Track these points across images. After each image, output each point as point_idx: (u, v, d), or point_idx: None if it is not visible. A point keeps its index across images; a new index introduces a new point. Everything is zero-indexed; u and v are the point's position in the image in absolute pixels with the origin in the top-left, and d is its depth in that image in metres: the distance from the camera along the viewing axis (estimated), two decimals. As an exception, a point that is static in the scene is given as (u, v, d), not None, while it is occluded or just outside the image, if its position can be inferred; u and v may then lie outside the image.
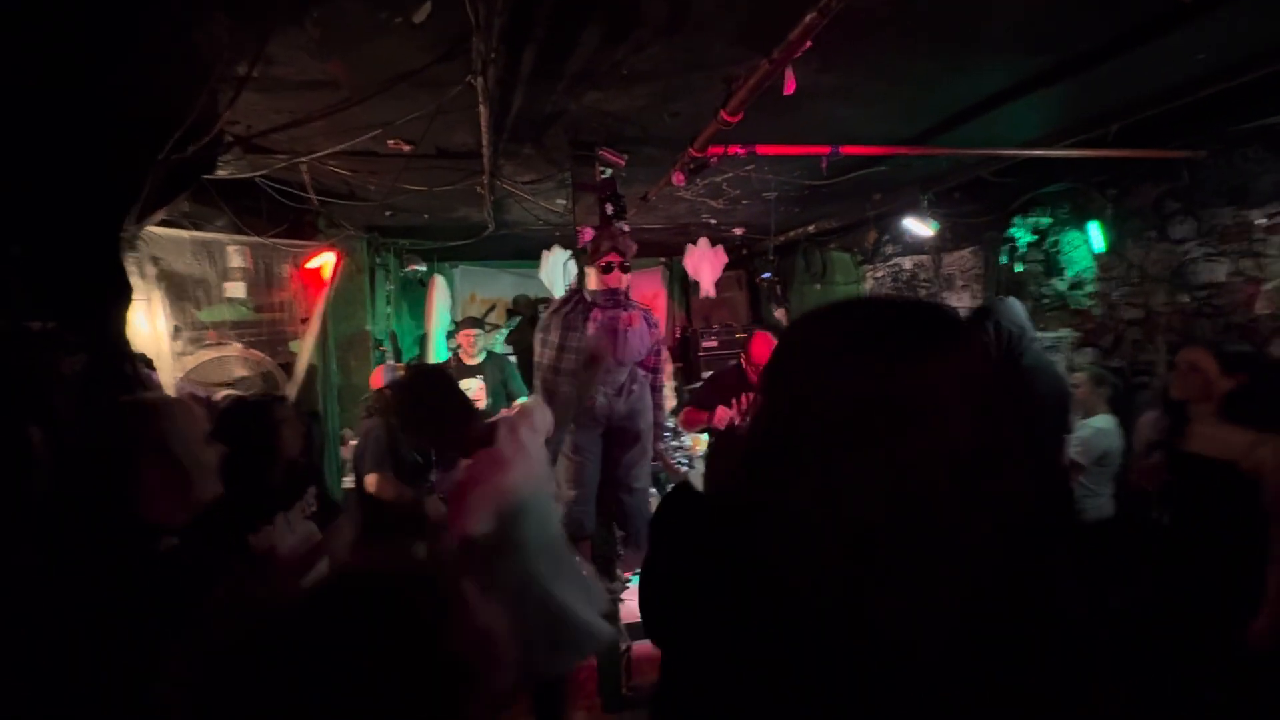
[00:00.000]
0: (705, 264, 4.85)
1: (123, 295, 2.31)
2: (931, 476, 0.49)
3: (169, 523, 1.16)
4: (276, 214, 3.18)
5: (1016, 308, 2.57)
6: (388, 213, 4.09)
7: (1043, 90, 2.50)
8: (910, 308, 0.57)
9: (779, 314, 5.91)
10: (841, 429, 0.52)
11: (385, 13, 1.76)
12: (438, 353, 4.97)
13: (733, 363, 3.33)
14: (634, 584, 3.93)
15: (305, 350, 3.37)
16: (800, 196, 4.10)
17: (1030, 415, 0.58)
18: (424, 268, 5.04)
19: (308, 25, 1.81)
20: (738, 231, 5.26)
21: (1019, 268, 3.67)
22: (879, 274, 5.05)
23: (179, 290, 2.97)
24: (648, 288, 6.76)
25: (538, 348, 2.73)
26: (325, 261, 3.46)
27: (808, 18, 1.37)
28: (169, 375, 2.80)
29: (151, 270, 2.79)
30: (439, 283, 5.07)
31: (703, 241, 4.93)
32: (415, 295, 5.51)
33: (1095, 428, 2.80)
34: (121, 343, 2.30)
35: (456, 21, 1.73)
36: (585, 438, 2.78)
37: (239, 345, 3.21)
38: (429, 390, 1.80)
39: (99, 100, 1.94)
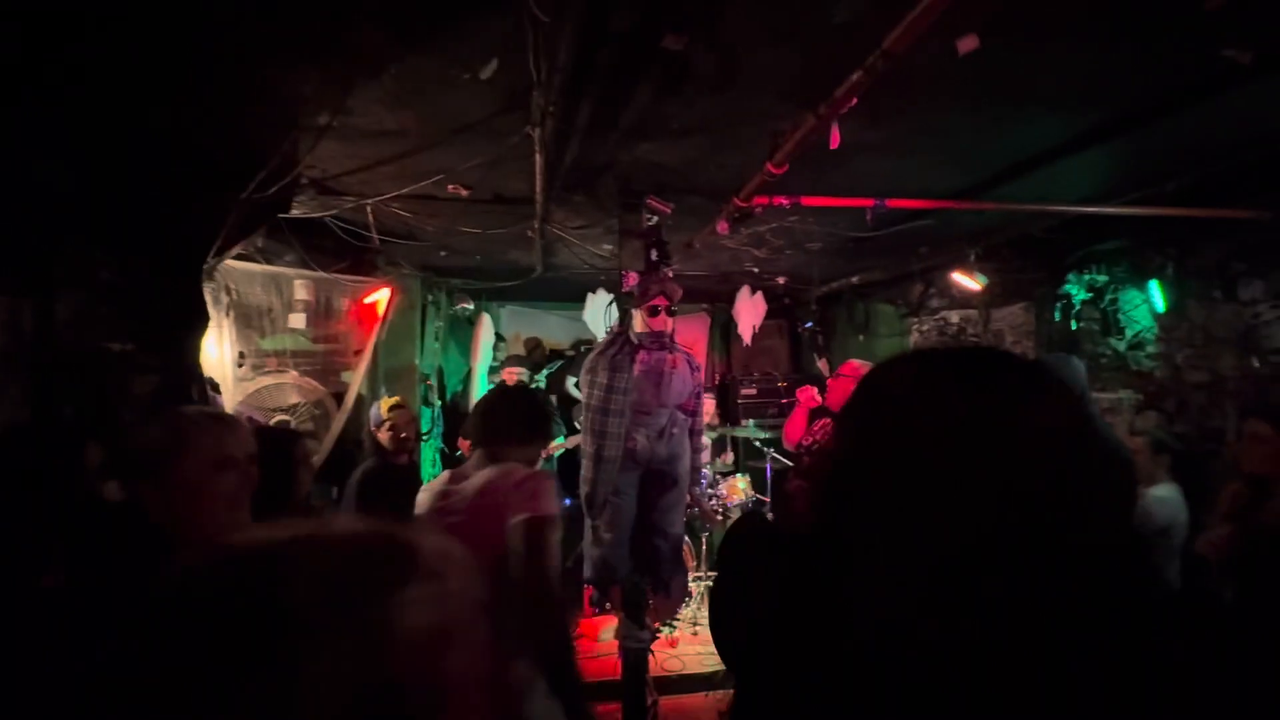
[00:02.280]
0: (745, 311, 4.88)
1: (199, 323, 2.48)
2: (1004, 518, 0.50)
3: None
4: (341, 250, 3.38)
5: (1073, 367, 2.47)
6: (442, 253, 4.29)
7: (1095, 147, 2.48)
8: (991, 354, 0.60)
9: (820, 364, 5.84)
10: (917, 465, 0.53)
11: (456, 69, 1.90)
12: (480, 389, 5.09)
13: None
14: (664, 633, 3.82)
15: (356, 381, 3.51)
16: (844, 248, 4.10)
17: (1108, 470, 0.60)
18: (472, 306, 5.23)
19: (386, 80, 1.98)
20: (780, 280, 5.29)
21: (1074, 325, 3.56)
22: (924, 327, 4.96)
23: (246, 319, 3.16)
24: (689, 333, 6.80)
25: (585, 389, 2.78)
26: (381, 297, 3.63)
27: (854, 76, 1.42)
28: (231, 399, 2.96)
29: (225, 300, 2.99)
30: (486, 321, 5.23)
31: (744, 289, 4.97)
32: (462, 332, 5.70)
33: (1156, 497, 2.63)
34: (193, 367, 2.46)
35: (519, 78, 1.86)
36: (624, 480, 2.78)
37: (295, 373, 3.37)
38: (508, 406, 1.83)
39: (192, 144, 2.15)
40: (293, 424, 3.15)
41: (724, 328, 6.58)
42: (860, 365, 3.33)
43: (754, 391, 6.01)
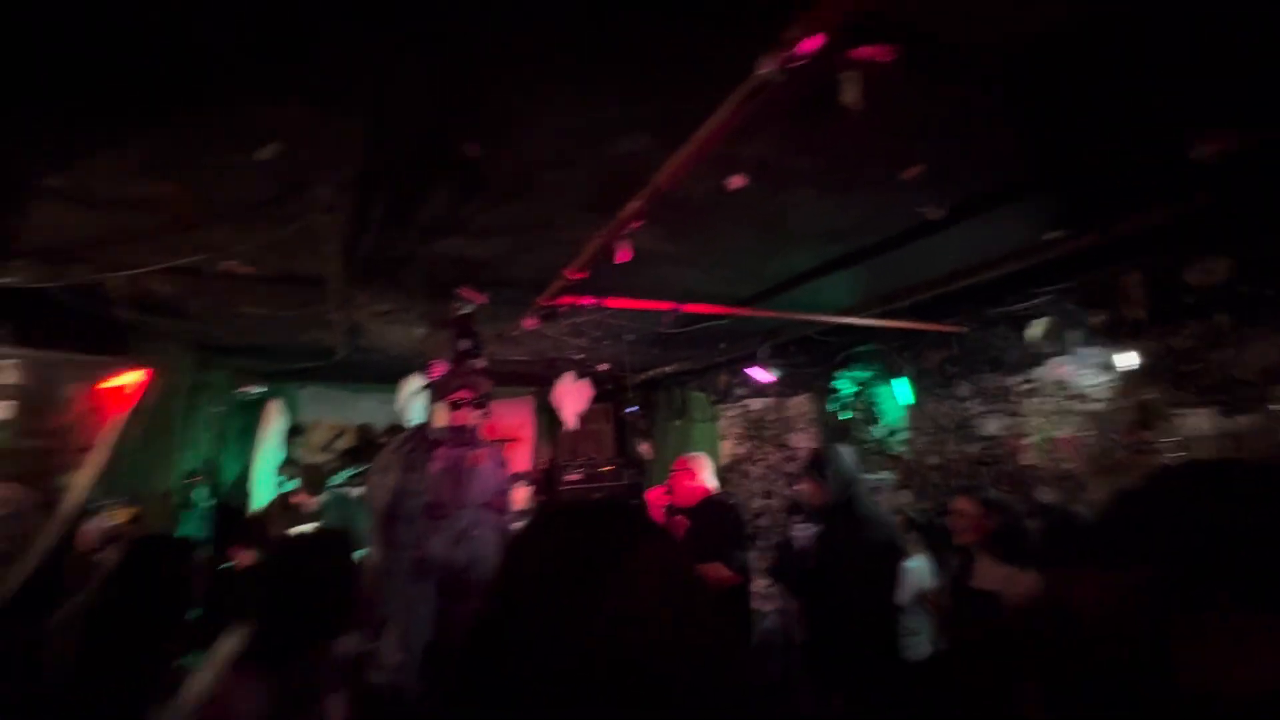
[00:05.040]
0: (567, 397, 4.91)
1: None
2: (625, 639, 0.61)
3: None
4: (72, 325, 2.79)
5: (845, 456, 2.80)
6: (221, 331, 3.77)
7: (844, 270, 2.98)
8: (617, 510, 0.77)
9: (644, 448, 6.02)
10: (551, 604, 0.64)
11: (226, 148, 1.74)
12: (261, 486, 4.41)
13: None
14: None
15: (79, 485, 2.83)
16: (657, 340, 4.38)
17: (707, 597, 0.75)
18: (263, 389, 4.61)
19: (133, 149, 1.75)
20: (603, 368, 5.45)
21: (844, 415, 4.11)
22: (731, 414, 5.39)
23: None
24: (513, 418, 6.66)
25: (372, 491, 2.51)
26: (129, 381, 3.05)
27: (632, 205, 1.56)
28: None
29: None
30: (275, 408, 4.63)
31: (567, 376, 5.03)
32: (251, 419, 4.95)
33: (909, 568, 3.03)
34: None
35: (303, 164, 1.76)
36: (417, 592, 2.51)
37: (-12, 478, 2.63)
38: None
39: None
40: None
41: (550, 413, 6.55)
42: (690, 459, 3.47)
43: (578, 476, 5.98)
